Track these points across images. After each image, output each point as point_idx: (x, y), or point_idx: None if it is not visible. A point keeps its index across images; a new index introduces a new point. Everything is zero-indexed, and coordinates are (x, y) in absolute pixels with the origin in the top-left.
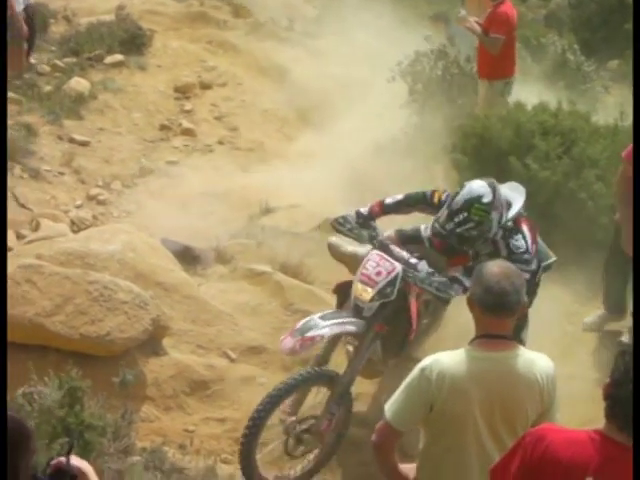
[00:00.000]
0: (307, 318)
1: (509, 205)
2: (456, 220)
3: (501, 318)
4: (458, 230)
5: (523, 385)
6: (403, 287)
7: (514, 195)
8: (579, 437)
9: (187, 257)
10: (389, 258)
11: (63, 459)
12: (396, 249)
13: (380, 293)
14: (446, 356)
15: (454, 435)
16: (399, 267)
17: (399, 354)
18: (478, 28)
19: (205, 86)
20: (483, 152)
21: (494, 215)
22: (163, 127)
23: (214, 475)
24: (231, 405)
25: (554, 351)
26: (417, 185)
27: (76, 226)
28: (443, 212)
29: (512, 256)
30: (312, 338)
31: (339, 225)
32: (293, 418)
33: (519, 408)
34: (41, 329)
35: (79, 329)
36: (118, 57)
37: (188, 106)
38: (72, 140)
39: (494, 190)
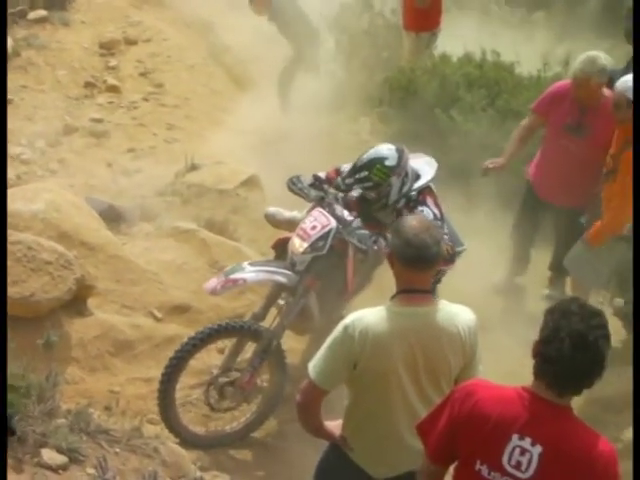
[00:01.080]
0: (237, 263)
1: (417, 177)
2: (357, 177)
3: (422, 271)
4: (356, 186)
5: (445, 338)
6: (339, 246)
7: (425, 169)
8: (508, 394)
9: (112, 215)
10: (327, 214)
11: None
12: (339, 208)
13: (312, 246)
14: (369, 313)
15: (379, 392)
16: (334, 222)
17: (334, 313)
18: None
19: (130, 42)
20: (409, 104)
21: (394, 180)
22: (88, 84)
23: (140, 435)
24: (157, 365)
25: (475, 303)
26: (343, 138)
27: None
28: (349, 167)
29: None
30: (235, 280)
31: (292, 184)
32: (218, 370)
33: (442, 362)
34: None
35: None
36: (41, 13)
37: (113, 62)
38: None
39: (400, 156)
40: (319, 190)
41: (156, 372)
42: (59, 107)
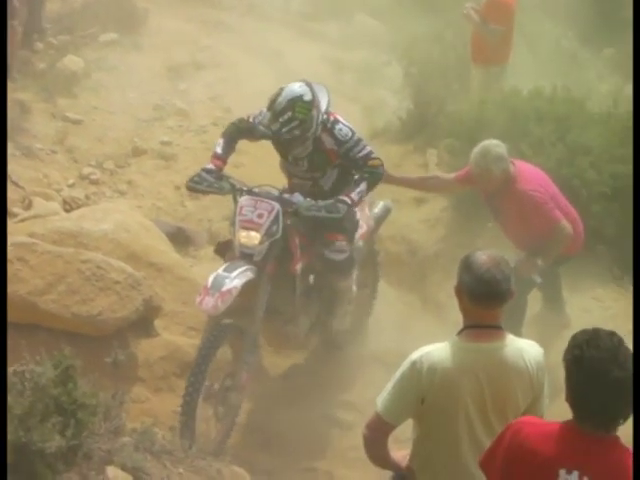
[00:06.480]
0: (213, 275)
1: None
2: (281, 120)
3: (492, 308)
4: (284, 130)
5: (514, 374)
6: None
7: (320, 93)
8: (553, 430)
9: (180, 238)
10: (264, 200)
11: None
12: (263, 190)
13: (268, 234)
14: (436, 348)
15: (446, 427)
16: (277, 205)
17: (294, 298)
18: (476, 17)
19: (199, 66)
20: (477, 137)
21: (315, 113)
22: (157, 107)
23: (204, 457)
24: None
25: (542, 339)
26: (409, 170)
27: (68, 205)
28: (265, 115)
29: (344, 145)
30: (229, 291)
31: (195, 184)
32: (206, 383)
33: (510, 397)
34: (33, 308)
35: (71, 308)
36: (112, 36)
37: (182, 86)
38: (65, 118)
39: (311, 88)
40: (223, 180)
41: None
42: (128, 129)
